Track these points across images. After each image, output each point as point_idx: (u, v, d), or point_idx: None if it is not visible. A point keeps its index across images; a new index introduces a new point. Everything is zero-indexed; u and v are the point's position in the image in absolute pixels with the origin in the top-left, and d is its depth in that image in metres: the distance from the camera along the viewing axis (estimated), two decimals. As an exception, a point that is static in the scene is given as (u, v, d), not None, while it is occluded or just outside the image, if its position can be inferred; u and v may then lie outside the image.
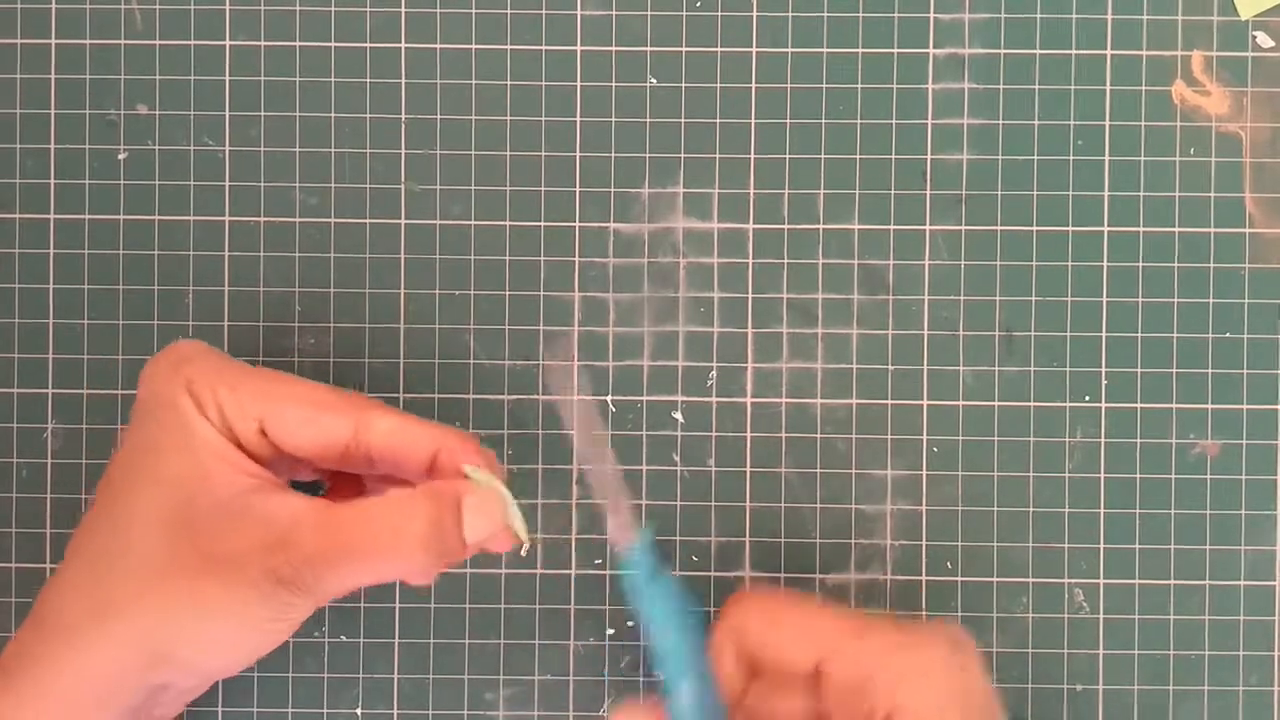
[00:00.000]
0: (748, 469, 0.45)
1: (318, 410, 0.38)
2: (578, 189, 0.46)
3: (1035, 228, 0.45)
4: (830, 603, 0.42)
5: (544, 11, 0.46)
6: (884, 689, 0.37)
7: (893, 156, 0.45)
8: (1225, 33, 0.45)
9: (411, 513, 0.37)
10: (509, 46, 0.46)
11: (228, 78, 0.46)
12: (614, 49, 0.46)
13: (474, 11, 0.46)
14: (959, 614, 0.45)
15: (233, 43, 0.46)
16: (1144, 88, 0.45)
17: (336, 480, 0.42)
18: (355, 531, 0.36)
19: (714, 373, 0.45)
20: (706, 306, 0.45)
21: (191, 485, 0.37)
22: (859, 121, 0.45)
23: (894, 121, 0.45)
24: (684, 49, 0.46)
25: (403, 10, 0.46)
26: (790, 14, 0.45)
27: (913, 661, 0.37)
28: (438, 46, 0.46)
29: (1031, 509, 0.45)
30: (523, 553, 0.45)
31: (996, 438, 0.45)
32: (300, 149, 0.46)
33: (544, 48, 0.46)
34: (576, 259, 0.45)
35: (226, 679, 0.44)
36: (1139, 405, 0.45)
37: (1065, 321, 0.45)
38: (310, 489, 0.41)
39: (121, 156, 0.46)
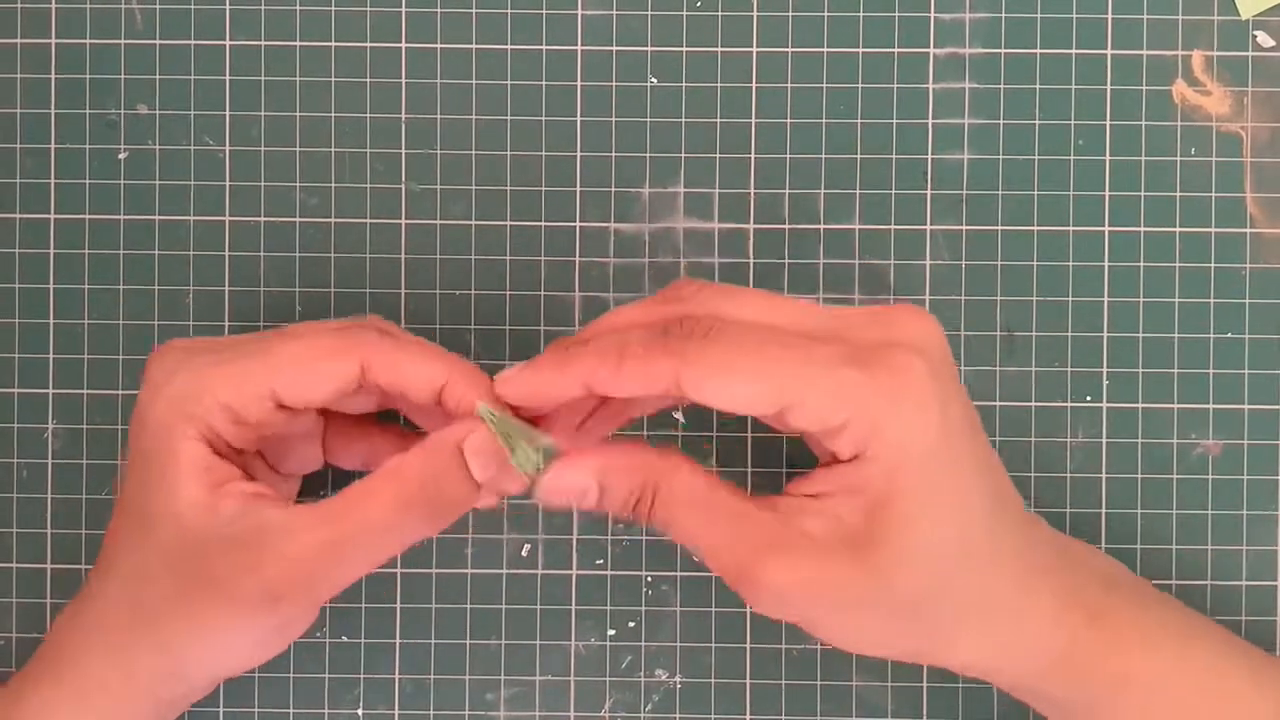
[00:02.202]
0: (749, 469, 0.45)
1: (319, 362, 0.37)
2: (578, 189, 0.46)
3: (1036, 227, 0.45)
4: (775, 304, 0.37)
5: (544, 11, 0.46)
6: (860, 434, 0.35)
7: (893, 156, 0.45)
8: (1226, 32, 0.45)
9: (397, 484, 0.37)
10: (509, 46, 0.45)
11: (228, 77, 0.46)
12: (614, 49, 0.46)
13: (474, 11, 0.46)
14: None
15: (233, 43, 0.46)
16: (1144, 87, 0.45)
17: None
18: (343, 525, 0.37)
19: (715, 373, 0.45)
20: (707, 306, 0.45)
21: (191, 518, 0.37)
22: (859, 121, 0.45)
23: (895, 121, 0.45)
24: (684, 49, 0.46)
25: (403, 10, 0.46)
26: (790, 14, 0.45)
27: (890, 399, 0.35)
28: (438, 46, 0.46)
29: (1033, 509, 0.45)
30: (524, 553, 0.45)
31: (998, 438, 0.45)
32: (300, 149, 0.46)
33: (544, 47, 0.46)
34: (577, 259, 0.45)
35: (228, 680, 0.44)
36: (1140, 405, 0.45)
37: (1066, 321, 0.45)
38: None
39: (122, 156, 0.46)
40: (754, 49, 0.45)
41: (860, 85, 0.45)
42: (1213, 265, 0.45)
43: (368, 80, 0.46)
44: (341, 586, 0.37)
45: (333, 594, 0.38)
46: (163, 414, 0.37)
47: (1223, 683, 0.39)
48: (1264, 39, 0.45)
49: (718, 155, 0.46)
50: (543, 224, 0.45)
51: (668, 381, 0.35)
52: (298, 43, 0.46)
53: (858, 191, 0.45)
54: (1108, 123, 0.45)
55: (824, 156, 0.45)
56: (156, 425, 0.38)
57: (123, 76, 0.46)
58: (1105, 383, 0.45)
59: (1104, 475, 0.45)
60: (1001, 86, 0.45)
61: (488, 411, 0.37)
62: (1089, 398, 0.45)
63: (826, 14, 0.45)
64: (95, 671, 0.39)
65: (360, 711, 0.45)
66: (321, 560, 0.37)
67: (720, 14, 0.45)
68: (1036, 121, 0.45)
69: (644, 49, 0.46)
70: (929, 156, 0.45)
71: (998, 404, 0.45)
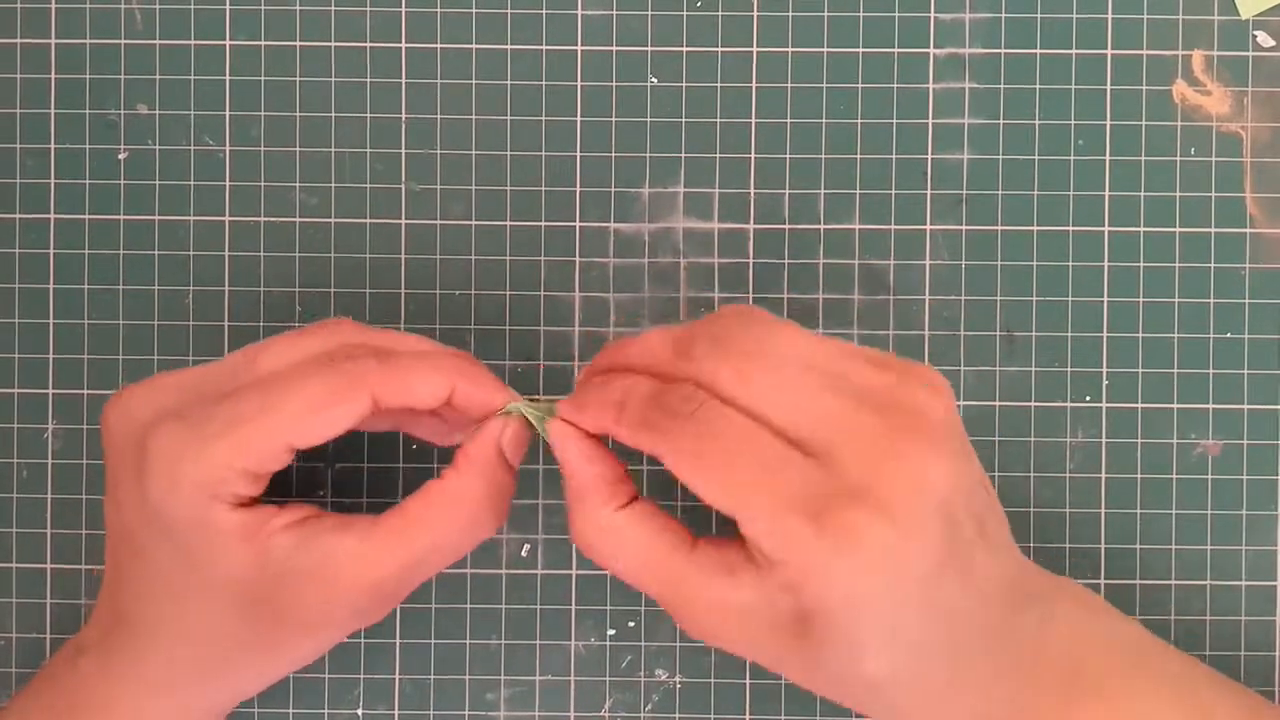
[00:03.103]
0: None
1: (331, 410, 0.37)
2: (578, 189, 0.46)
3: (1036, 227, 0.45)
4: (791, 385, 0.36)
5: (544, 11, 0.46)
6: (790, 577, 0.34)
7: (893, 156, 0.45)
8: (1226, 32, 0.45)
9: (465, 508, 0.38)
10: (509, 46, 0.46)
11: (228, 77, 0.46)
12: (614, 49, 0.46)
13: (474, 11, 0.46)
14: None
15: (233, 43, 0.46)
16: (1145, 87, 0.45)
17: None
18: (419, 545, 0.38)
19: (715, 373, 0.45)
20: (707, 306, 0.45)
21: (250, 573, 0.37)
22: (859, 121, 0.45)
23: (895, 121, 0.45)
24: (684, 49, 0.46)
25: (403, 10, 0.46)
26: (790, 14, 0.45)
27: (825, 561, 0.34)
28: (438, 46, 0.46)
29: (1032, 509, 0.45)
30: (524, 553, 0.45)
31: (997, 438, 0.45)
32: (300, 149, 0.46)
33: (544, 47, 0.46)
34: (577, 259, 0.45)
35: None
36: (1140, 405, 0.45)
37: (1066, 321, 0.45)
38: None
39: (121, 156, 0.46)
40: (754, 49, 0.45)
41: (860, 85, 0.45)
42: (1213, 265, 0.45)
43: (368, 80, 0.46)
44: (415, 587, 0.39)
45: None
46: (190, 505, 0.37)
47: None
48: (1264, 39, 0.45)
49: (718, 155, 0.46)
50: (543, 224, 0.45)
51: (650, 450, 0.36)
52: (298, 43, 0.46)
53: (858, 191, 0.45)
54: (1108, 123, 0.45)
55: (824, 156, 0.45)
56: (188, 515, 0.37)
57: (122, 76, 0.46)
58: (1105, 383, 0.45)
59: (1104, 475, 0.45)
60: (1001, 86, 0.45)
61: (519, 407, 0.39)
62: (1089, 398, 0.45)
63: (826, 14, 0.45)
64: (158, 712, 0.39)
65: (360, 711, 0.45)
66: (403, 579, 0.38)
67: (720, 14, 0.45)
68: (1036, 121, 0.45)
69: (644, 49, 0.46)
70: (929, 156, 0.45)
71: (998, 404, 0.45)
